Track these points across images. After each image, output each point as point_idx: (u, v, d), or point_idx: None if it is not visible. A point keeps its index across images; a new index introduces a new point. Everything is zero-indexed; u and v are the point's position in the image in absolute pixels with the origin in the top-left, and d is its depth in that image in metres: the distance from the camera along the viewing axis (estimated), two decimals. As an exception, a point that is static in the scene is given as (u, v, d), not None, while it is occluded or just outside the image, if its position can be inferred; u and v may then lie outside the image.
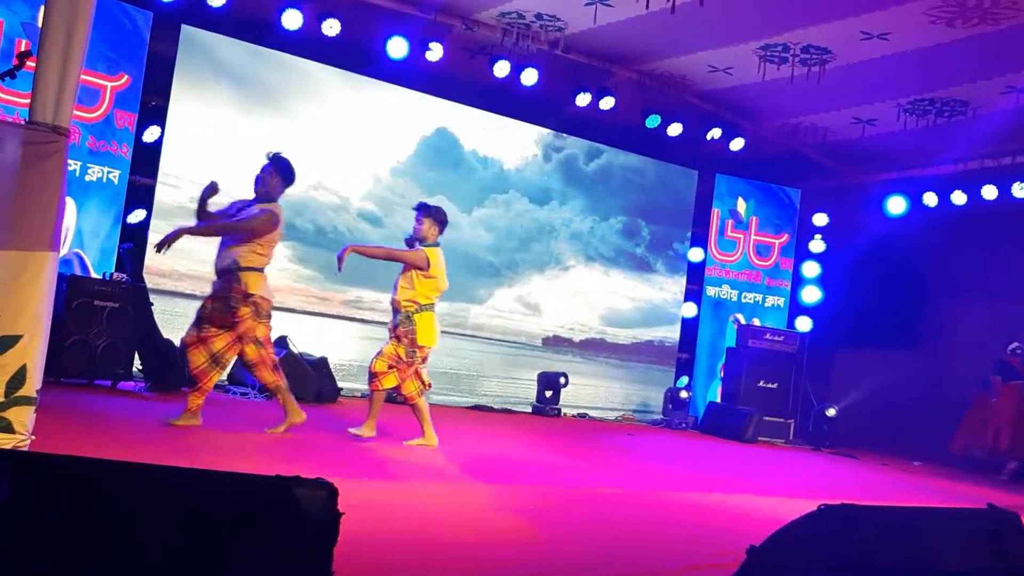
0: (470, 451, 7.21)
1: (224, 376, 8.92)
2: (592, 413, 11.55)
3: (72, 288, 7.37)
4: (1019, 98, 9.35)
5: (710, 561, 4.29)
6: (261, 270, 6.17)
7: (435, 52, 9.56)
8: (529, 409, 10.92)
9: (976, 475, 10.16)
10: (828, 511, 2.93)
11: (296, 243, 10.04)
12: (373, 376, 6.58)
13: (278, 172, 6.26)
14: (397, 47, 9.41)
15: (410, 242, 6.76)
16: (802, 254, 12.79)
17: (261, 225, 6.11)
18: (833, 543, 2.91)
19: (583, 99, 10.41)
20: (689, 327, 12.62)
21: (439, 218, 6.64)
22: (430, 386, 6.94)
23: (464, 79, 10.37)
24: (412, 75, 10.06)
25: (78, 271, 8.15)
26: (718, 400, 11.92)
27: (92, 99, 8.37)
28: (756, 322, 12.38)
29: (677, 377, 12.42)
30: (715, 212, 12.56)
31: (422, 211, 6.62)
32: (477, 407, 10.52)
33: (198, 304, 6.36)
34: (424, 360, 6.75)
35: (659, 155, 12.24)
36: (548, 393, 10.86)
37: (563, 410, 10.98)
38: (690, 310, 12.60)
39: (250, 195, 6.33)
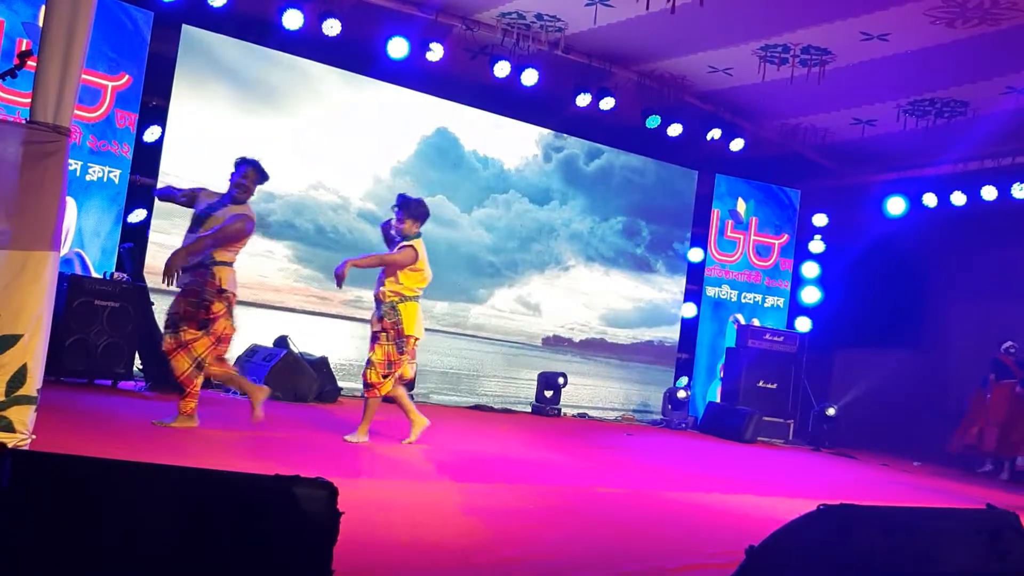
0: (470, 451, 7.22)
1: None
2: (592, 413, 11.56)
3: (73, 287, 7.37)
4: (1019, 98, 9.36)
5: (709, 561, 4.29)
6: (232, 264, 6.15)
7: (435, 52, 9.57)
8: (529, 409, 10.92)
9: (958, 472, 10.23)
10: (827, 511, 2.93)
11: (296, 243, 10.05)
12: (371, 387, 6.54)
13: (258, 175, 6.26)
14: (398, 47, 9.41)
15: (387, 232, 6.74)
16: (802, 254, 12.79)
17: (239, 232, 6.08)
18: (832, 543, 2.91)
19: (583, 99, 10.41)
20: (689, 327, 12.62)
21: (419, 212, 6.62)
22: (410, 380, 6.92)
23: (464, 79, 10.38)
24: (413, 75, 10.07)
25: (79, 270, 8.16)
26: (718, 400, 11.93)
27: (93, 99, 8.38)
28: (756, 322, 12.38)
29: (677, 377, 12.43)
30: (715, 212, 12.56)
31: (402, 208, 6.59)
32: (477, 407, 10.53)
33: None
34: (412, 356, 6.74)
35: (659, 155, 12.24)
36: (548, 393, 10.87)
37: (563, 410, 10.98)
38: (690, 310, 12.61)
39: (209, 186, 6.35)
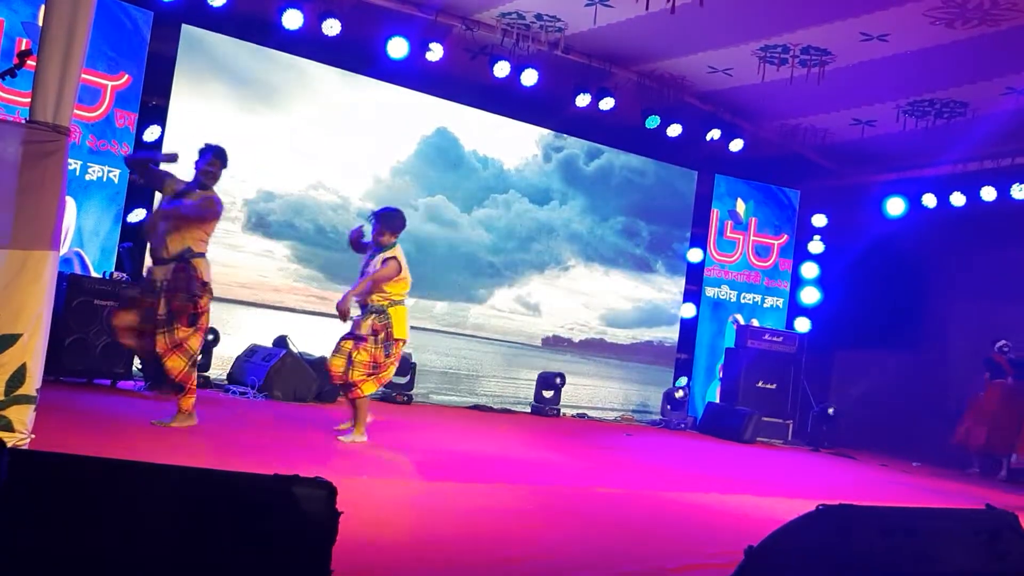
0: (469, 451, 7.22)
1: (224, 375, 8.98)
2: (591, 413, 11.56)
3: (72, 287, 7.37)
4: (1018, 99, 9.36)
5: (708, 561, 4.29)
6: (206, 256, 6.15)
7: (435, 52, 9.57)
8: (528, 409, 10.92)
9: (957, 472, 10.25)
10: (826, 511, 2.93)
11: (296, 243, 10.05)
12: (352, 386, 6.52)
13: (222, 162, 6.25)
14: (397, 47, 9.41)
15: (357, 241, 6.76)
16: (801, 255, 12.79)
17: (209, 212, 6.07)
18: (831, 543, 2.91)
19: (583, 99, 10.41)
20: (688, 327, 12.62)
21: (397, 224, 6.69)
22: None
23: (464, 79, 10.38)
24: (412, 75, 10.07)
25: (78, 270, 8.15)
26: (717, 400, 11.93)
27: (93, 98, 8.37)
28: (755, 323, 12.39)
29: (676, 377, 12.42)
30: (714, 213, 12.57)
31: (380, 221, 6.64)
32: (476, 407, 10.53)
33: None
34: (397, 359, 6.74)
35: (659, 156, 12.25)
36: (547, 393, 10.87)
37: (562, 410, 10.98)
38: (689, 310, 12.61)
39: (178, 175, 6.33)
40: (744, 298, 12.60)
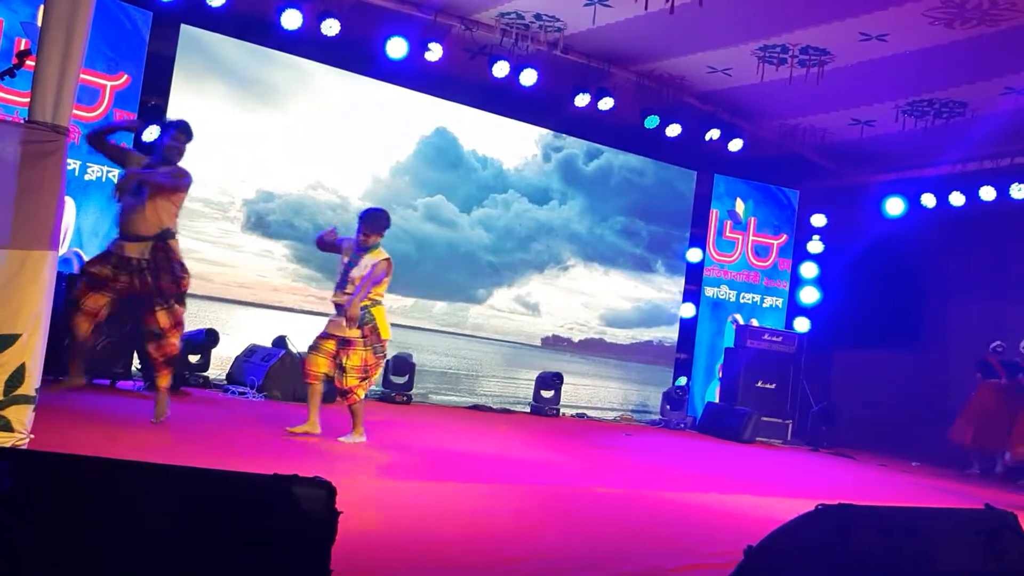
0: (469, 451, 7.22)
1: (223, 375, 8.97)
2: (591, 413, 11.56)
3: (71, 287, 7.35)
4: (1017, 99, 9.36)
5: (708, 561, 4.29)
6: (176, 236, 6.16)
7: (434, 52, 9.56)
8: (528, 409, 10.92)
9: (955, 472, 10.26)
10: (825, 511, 2.94)
11: (295, 242, 10.05)
12: (349, 392, 6.49)
13: (186, 136, 6.20)
14: (396, 47, 9.41)
15: (329, 242, 6.67)
16: (800, 255, 12.80)
17: (181, 182, 6.02)
18: (830, 543, 2.91)
19: (582, 99, 10.40)
20: (688, 327, 12.63)
21: (384, 225, 6.65)
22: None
23: (463, 79, 10.38)
24: (411, 75, 10.07)
25: (77, 270, 8.14)
26: (716, 400, 11.93)
27: (92, 98, 8.37)
28: (754, 322, 12.39)
29: (676, 377, 12.42)
30: (714, 213, 12.57)
31: (367, 222, 6.58)
32: (476, 407, 10.53)
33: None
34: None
35: (658, 155, 12.25)
36: (546, 393, 10.87)
37: (562, 410, 10.98)
38: (688, 310, 12.61)
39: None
40: (743, 298, 12.61)
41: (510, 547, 4.20)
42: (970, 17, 7.86)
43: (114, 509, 2.36)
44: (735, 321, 12.42)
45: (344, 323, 6.44)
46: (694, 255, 12.63)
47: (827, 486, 8.36)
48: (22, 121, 4.13)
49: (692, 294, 12.64)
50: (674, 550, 4.59)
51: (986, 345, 10.72)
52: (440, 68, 9.89)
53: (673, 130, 11.10)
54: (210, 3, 8.65)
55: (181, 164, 6.09)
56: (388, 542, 3.92)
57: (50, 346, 4.19)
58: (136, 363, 7.99)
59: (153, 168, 6.01)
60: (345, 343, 6.48)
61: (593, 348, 12.23)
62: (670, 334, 12.67)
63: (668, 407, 11.83)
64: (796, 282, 12.76)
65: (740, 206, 12.64)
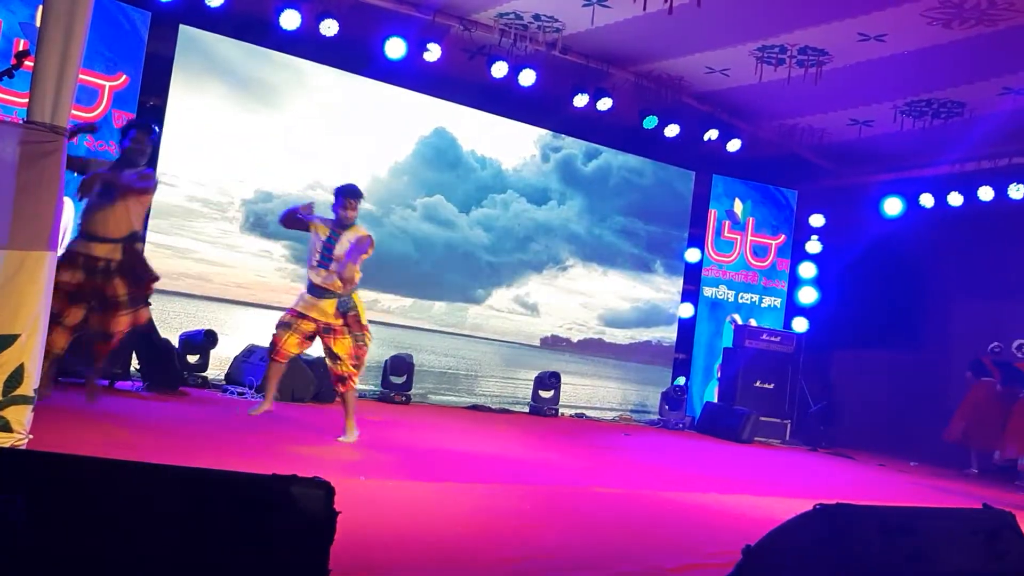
0: (468, 451, 7.22)
1: (222, 376, 8.97)
2: (589, 413, 11.56)
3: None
4: (1016, 99, 9.37)
5: (707, 561, 4.29)
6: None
7: (433, 52, 9.56)
8: (527, 409, 10.92)
9: (954, 472, 10.28)
10: (823, 511, 2.94)
11: (294, 242, 10.04)
12: (345, 379, 6.44)
13: (148, 135, 6.20)
14: (395, 47, 9.41)
15: (300, 218, 6.51)
16: (799, 255, 12.80)
17: (150, 184, 6.07)
18: (828, 543, 2.91)
19: (581, 100, 10.41)
20: (686, 327, 12.63)
21: (359, 199, 6.55)
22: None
23: (462, 79, 10.38)
24: (410, 75, 10.07)
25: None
26: (715, 400, 11.93)
27: (90, 99, 8.37)
28: (753, 323, 12.39)
29: (674, 377, 12.43)
30: (712, 213, 12.57)
31: (349, 196, 6.47)
32: (475, 407, 10.53)
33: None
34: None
35: (657, 156, 12.25)
36: (545, 393, 10.87)
37: (560, 410, 10.99)
38: (687, 310, 12.61)
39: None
40: (742, 298, 12.61)
41: (509, 547, 4.20)
42: (968, 17, 7.86)
43: (113, 509, 2.36)
44: (733, 321, 12.42)
45: (327, 307, 6.33)
46: (692, 255, 12.64)
47: (826, 486, 8.37)
48: (21, 121, 4.13)
49: (690, 294, 12.65)
50: (673, 550, 4.59)
51: (984, 345, 10.73)
52: (439, 68, 9.89)
53: (672, 130, 11.10)
54: (209, 3, 8.65)
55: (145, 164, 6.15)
56: (387, 542, 3.92)
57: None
58: (135, 363, 8.00)
59: (118, 169, 5.99)
60: (328, 329, 6.40)
61: (592, 348, 12.24)
62: (669, 334, 12.67)
63: (667, 407, 11.84)
64: (794, 282, 12.77)
65: (738, 206, 12.64)
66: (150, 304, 6.02)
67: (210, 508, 2.44)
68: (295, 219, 6.55)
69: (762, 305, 12.65)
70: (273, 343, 6.53)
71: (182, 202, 9.31)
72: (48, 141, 3.99)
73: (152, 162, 8.99)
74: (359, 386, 9.99)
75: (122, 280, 5.85)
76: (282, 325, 6.47)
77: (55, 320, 5.54)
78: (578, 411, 11.46)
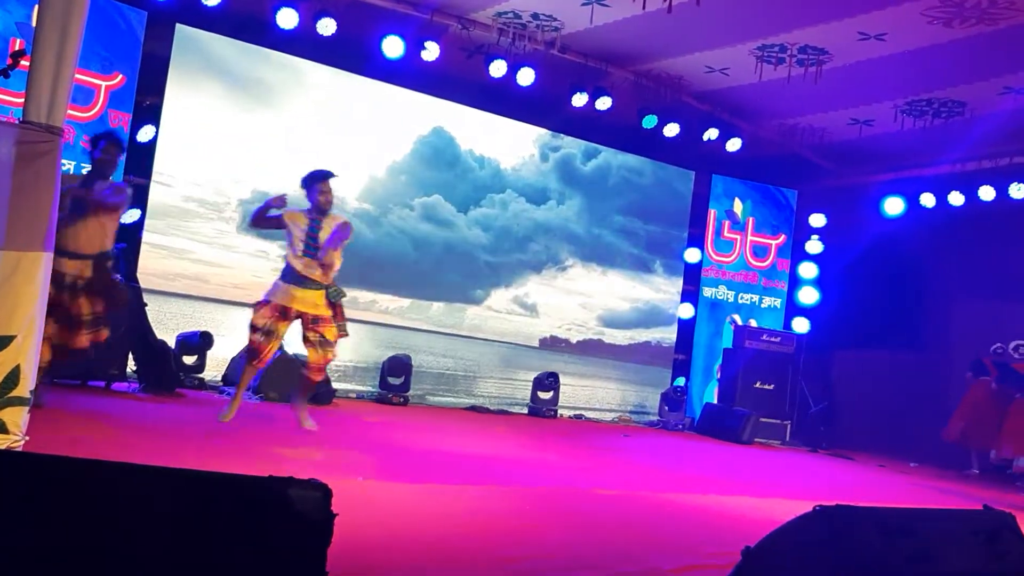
0: (466, 452, 7.20)
1: (219, 377, 8.96)
2: (588, 414, 11.55)
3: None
4: (1016, 99, 9.36)
5: (707, 562, 4.28)
6: None
7: (431, 51, 9.55)
8: (525, 410, 10.91)
9: (955, 473, 10.27)
10: (823, 512, 2.92)
11: (292, 243, 10.03)
12: (324, 368, 6.45)
13: (117, 147, 6.17)
14: (393, 46, 9.39)
15: (273, 216, 6.41)
16: (799, 255, 12.79)
17: (123, 199, 6.07)
18: (828, 544, 2.90)
19: (580, 99, 10.39)
20: (686, 328, 12.62)
21: (332, 177, 6.52)
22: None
23: (460, 79, 10.36)
24: (408, 74, 10.06)
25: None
26: (715, 401, 11.92)
27: (86, 98, 8.35)
28: (753, 323, 12.38)
29: (674, 378, 12.41)
30: (712, 213, 12.56)
31: (323, 181, 6.47)
32: (473, 408, 10.51)
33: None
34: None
35: (656, 155, 12.24)
36: (544, 394, 10.85)
37: (559, 411, 10.97)
38: (687, 311, 12.60)
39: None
40: (742, 298, 12.60)
41: (507, 548, 4.18)
42: (969, 16, 7.85)
43: (109, 511, 2.34)
44: (733, 322, 12.41)
45: (316, 298, 6.24)
46: (692, 255, 12.62)
47: (826, 487, 8.35)
48: (16, 121, 4.11)
49: (690, 294, 12.64)
50: (672, 551, 4.58)
51: (984, 345, 10.72)
52: (437, 67, 9.87)
53: (671, 130, 11.09)
54: (205, 2, 8.63)
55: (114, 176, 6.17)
56: (384, 544, 3.90)
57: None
58: (131, 364, 7.98)
59: (89, 183, 5.96)
60: (317, 320, 6.31)
61: (591, 349, 12.22)
62: (668, 335, 12.66)
63: (666, 408, 11.82)
64: (794, 282, 12.76)
65: (738, 206, 12.63)
66: (108, 324, 5.98)
67: (207, 510, 2.42)
68: (265, 218, 6.44)
69: (762, 305, 12.64)
70: (256, 350, 6.36)
71: (178, 202, 9.29)
72: (44, 141, 3.96)
73: (149, 162, 9.02)
74: (356, 387, 10.04)
75: (88, 299, 5.81)
76: (265, 333, 6.28)
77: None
78: (577, 412, 11.44)
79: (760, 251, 12.69)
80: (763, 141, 11.88)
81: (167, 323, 8.86)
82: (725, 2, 8.23)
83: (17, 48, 7.40)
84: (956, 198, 11.23)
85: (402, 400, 9.69)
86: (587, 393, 11.98)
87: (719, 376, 12.13)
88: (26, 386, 3.96)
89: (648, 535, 5.00)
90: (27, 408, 3.98)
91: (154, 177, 9.08)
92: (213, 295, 9.52)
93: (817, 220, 12.76)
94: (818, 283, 12.67)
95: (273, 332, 6.30)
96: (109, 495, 2.36)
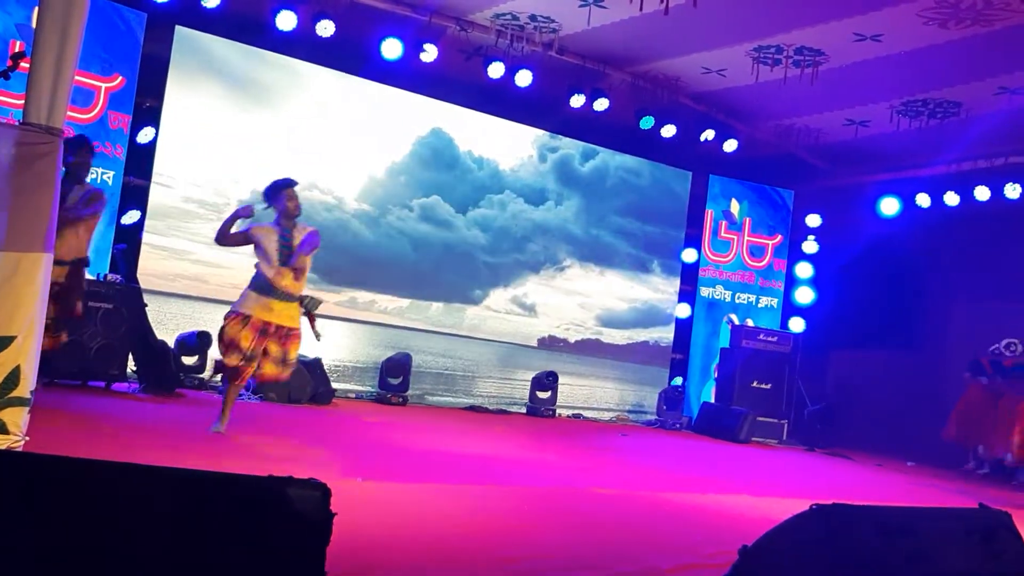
0: (465, 452, 7.21)
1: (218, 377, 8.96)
2: (587, 414, 11.56)
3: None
4: (1012, 99, 9.38)
5: (704, 561, 4.30)
6: None
7: (429, 53, 9.56)
8: (524, 410, 10.92)
9: (952, 472, 10.30)
10: (820, 511, 2.94)
11: (291, 244, 10.04)
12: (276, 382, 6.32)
13: (89, 150, 6.20)
14: (391, 48, 9.41)
15: (234, 232, 6.30)
16: (795, 255, 12.81)
17: (101, 205, 6.15)
18: (825, 543, 2.91)
19: (577, 100, 10.41)
20: (683, 328, 12.64)
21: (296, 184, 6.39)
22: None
23: (459, 80, 10.38)
24: (407, 76, 10.07)
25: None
26: (712, 400, 11.93)
27: (86, 100, 8.36)
28: (750, 323, 12.40)
29: (672, 377, 12.43)
30: (709, 213, 12.58)
31: (290, 187, 6.33)
32: (472, 408, 10.53)
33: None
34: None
35: (653, 156, 12.26)
36: (542, 394, 10.87)
37: (558, 411, 10.99)
38: (684, 311, 12.62)
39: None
40: (739, 298, 12.62)
41: (506, 548, 4.20)
42: (964, 17, 7.87)
43: (109, 511, 2.35)
44: (730, 321, 12.43)
45: (293, 311, 6.11)
46: (689, 255, 12.64)
47: (823, 486, 8.37)
48: (16, 123, 4.12)
49: (688, 294, 12.65)
50: (670, 550, 4.59)
51: (980, 344, 10.75)
52: (435, 69, 9.89)
53: (668, 131, 11.11)
54: (205, 4, 8.64)
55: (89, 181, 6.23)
56: (383, 543, 3.92)
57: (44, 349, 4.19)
58: (131, 364, 7.99)
59: (64, 189, 5.96)
60: (288, 334, 6.19)
61: (589, 349, 12.24)
62: (666, 334, 12.68)
63: (664, 407, 11.84)
64: (791, 282, 12.78)
65: (735, 206, 12.65)
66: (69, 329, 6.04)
67: (206, 509, 2.44)
68: (231, 234, 6.30)
69: (759, 305, 12.66)
70: (239, 372, 6.15)
71: (178, 203, 9.30)
72: (44, 143, 3.98)
73: (149, 163, 9.03)
74: (355, 387, 10.04)
75: (54, 304, 5.81)
76: (248, 358, 6.08)
77: None
78: (575, 412, 11.46)
79: (757, 251, 12.71)
80: (760, 142, 11.90)
81: (167, 323, 8.86)
82: (721, 3, 8.24)
83: (17, 50, 7.41)
84: (952, 198, 11.26)
85: (401, 400, 9.70)
86: (585, 393, 11.99)
87: (716, 375, 12.14)
88: (26, 386, 3.97)
89: (646, 534, 5.01)
90: (27, 408, 3.99)
91: (154, 178, 9.08)
92: (213, 295, 9.51)
93: (813, 220, 12.78)
94: (814, 283, 12.69)
95: (255, 356, 6.14)
96: (109, 495, 2.38)
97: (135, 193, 8.92)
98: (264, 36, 9.28)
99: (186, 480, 2.53)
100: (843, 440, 11.43)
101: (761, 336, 11.87)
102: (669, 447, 9.77)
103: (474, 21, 9.51)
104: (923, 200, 11.53)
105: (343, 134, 10.27)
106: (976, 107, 9.75)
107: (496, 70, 9.83)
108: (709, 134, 11.28)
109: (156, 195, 9.14)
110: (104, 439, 5.45)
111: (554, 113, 10.93)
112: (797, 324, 12.58)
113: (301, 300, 6.29)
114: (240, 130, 9.64)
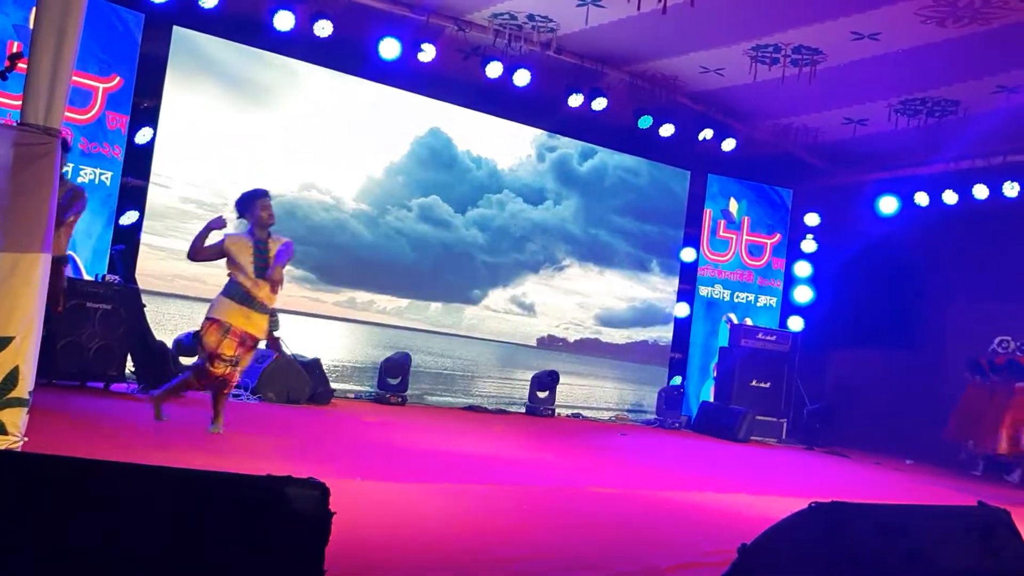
0: (464, 452, 7.21)
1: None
2: (586, 413, 11.57)
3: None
4: (1010, 98, 9.38)
5: (704, 560, 4.30)
6: None
7: (427, 53, 9.56)
8: (523, 410, 10.92)
9: (951, 470, 10.31)
10: (819, 509, 2.94)
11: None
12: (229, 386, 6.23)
13: (65, 150, 6.17)
14: (389, 48, 9.41)
15: (209, 246, 6.23)
16: (794, 254, 12.82)
17: (81, 205, 6.17)
18: (824, 541, 2.91)
19: (575, 100, 10.41)
20: (682, 327, 12.65)
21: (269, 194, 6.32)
22: None
23: (457, 80, 10.38)
24: (405, 76, 10.08)
25: (70, 273, 8.11)
26: (711, 399, 11.94)
27: (84, 100, 8.36)
28: (748, 322, 12.41)
29: (671, 377, 12.44)
30: (707, 212, 12.59)
31: (265, 197, 6.21)
32: (471, 408, 10.53)
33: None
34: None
35: (652, 156, 12.27)
36: (541, 394, 10.87)
37: (557, 410, 10.99)
38: (683, 310, 12.63)
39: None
40: (737, 297, 12.62)
41: (505, 547, 4.20)
42: (962, 16, 7.88)
43: (108, 511, 2.35)
44: (729, 320, 12.43)
45: (263, 323, 6.07)
46: (688, 255, 12.65)
47: (821, 485, 8.37)
48: (14, 124, 4.12)
49: (686, 293, 12.66)
50: (670, 549, 4.59)
51: (978, 343, 10.75)
52: (433, 69, 9.89)
53: (666, 130, 11.11)
54: (202, 4, 8.64)
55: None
56: (382, 543, 3.92)
57: (43, 349, 4.19)
58: (130, 365, 7.98)
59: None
60: (255, 344, 6.16)
61: (588, 348, 12.24)
62: (665, 334, 12.69)
63: (663, 406, 11.85)
64: (790, 281, 12.79)
65: (734, 206, 12.66)
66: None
67: (205, 509, 2.44)
68: (205, 248, 6.24)
69: (758, 304, 12.67)
70: (227, 381, 6.11)
71: (176, 203, 9.30)
72: (41, 143, 3.98)
73: (147, 163, 9.03)
74: (354, 387, 10.04)
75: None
76: (234, 364, 6.05)
77: None
78: (575, 411, 11.46)
79: (755, 250, 12.72)
80: (758, 141, 11.90)
81: (165, 324, 8.86)
82: (719, 3, 8.25)
83: (15, 50, 7.40)
84: (950, 197, 11.27)
85: (400, 400, 9.70)
86: (584, 392, 12.00)
87: (715, 374, 12.15)
88: (25, 387, 3.97)
89: (646, 533, 5.01)
90: (26, 409, 3.99)
91: (152, 178, 9.08)
92: (211, 296, 9.45)
93: (812, 219, 12.79)
94: (813, 282, 12.70)
95: (239, 360, 6.12)
96: (108, 495, 2.37)
97: (133, 194, 8.91)
98: (262, 36, 9.27)
99: (185, 480, 2.53)
100: (842, 439, 11.43)
101: (760, 335, 11.87)
102: (668, 446, 9.77)
103: (472, 21, 9.52)
104: (922, 199, 11.54)
105: (341, 134, 10.27)
106: (974, 106, 9.76)
107: (494, 70, 9.83)
108: (707, 133, 11.29)
109: (154, 195, 9.14)
110: (103, 439, 5.44)
111: (552, 113, 10.93)
112: (796, 323, 12.59)
113: (272, 313, 6.30)
114: (238, 130, 9.64)
